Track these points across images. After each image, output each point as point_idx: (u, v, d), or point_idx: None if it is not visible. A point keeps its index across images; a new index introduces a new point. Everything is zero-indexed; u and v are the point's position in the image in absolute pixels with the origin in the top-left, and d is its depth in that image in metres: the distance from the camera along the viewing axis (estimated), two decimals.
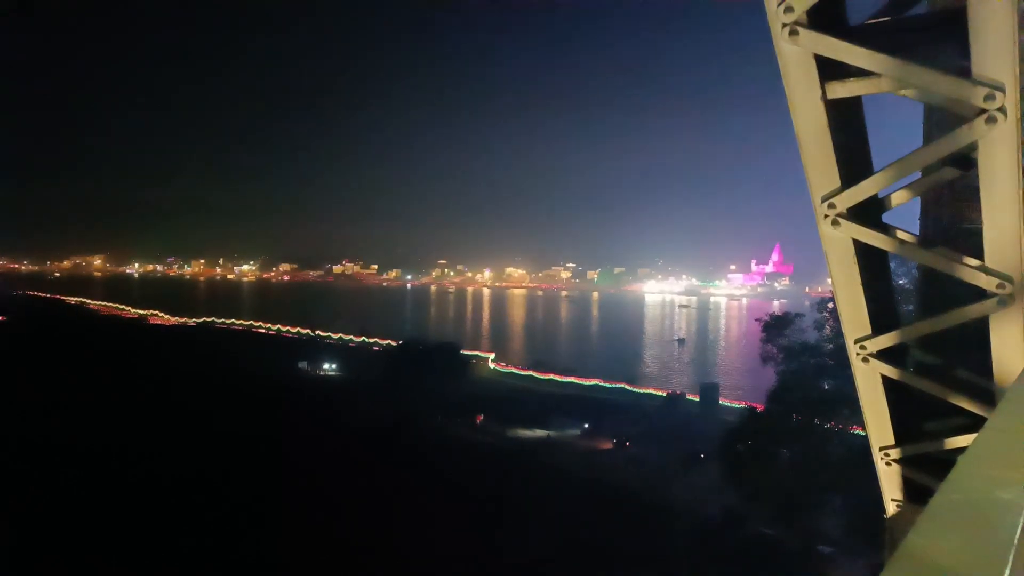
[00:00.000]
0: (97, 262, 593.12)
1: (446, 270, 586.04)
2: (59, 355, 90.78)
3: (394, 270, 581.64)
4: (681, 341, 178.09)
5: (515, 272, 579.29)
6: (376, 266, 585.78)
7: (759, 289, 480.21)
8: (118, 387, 69.60)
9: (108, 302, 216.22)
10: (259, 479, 43.97)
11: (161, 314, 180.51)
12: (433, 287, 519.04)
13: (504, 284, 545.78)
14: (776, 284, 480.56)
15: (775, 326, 38.79)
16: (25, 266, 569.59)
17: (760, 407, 40.45)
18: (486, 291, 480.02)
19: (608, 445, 62.90)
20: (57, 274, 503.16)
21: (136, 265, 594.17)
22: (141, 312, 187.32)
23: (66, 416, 56.64)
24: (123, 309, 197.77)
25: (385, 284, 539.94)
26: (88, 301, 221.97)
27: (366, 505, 40.23)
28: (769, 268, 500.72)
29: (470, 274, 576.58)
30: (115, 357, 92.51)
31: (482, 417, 71.13)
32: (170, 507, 37.85)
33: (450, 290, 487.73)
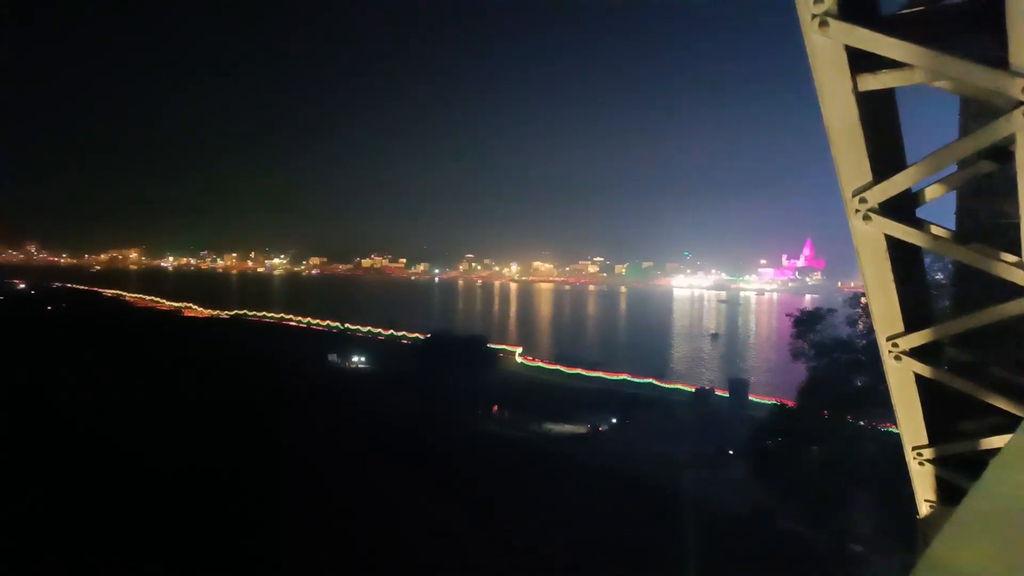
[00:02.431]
0: (133, 255, 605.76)
1: (473, 264, 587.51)
2: (96, 345, 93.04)
3: (422, 264, 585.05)
4: (715, 336, 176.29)
5: (542, 266, 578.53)
6: (404, 260, 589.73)
7: (790, 284, 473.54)
8: (150, 377, 71.07)
9: (144, 294, 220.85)
10: (286, 470, 44.60)
11: (195, 306, 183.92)
12: (460, 281, 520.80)
13: (531, 278, 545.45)
14: (807, 279, 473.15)
15: (806, 321, 38.20)
16: (64, 259, 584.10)
17: (790, 403, 39.91)
18: (513, 285, 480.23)
19: (634, 439, 62.62)
20: (97, 267, 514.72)
21: (171, 258, 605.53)
22: (175, 304, 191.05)
23: (99, 406, 57.96)
24: (158, 301, 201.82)
25: (413, 278, 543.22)
26: (124, 294, 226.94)
27: (392, 496, 40.58)
28: (800, 262, 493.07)
29: (497, 268, 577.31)
30: (149, 348, 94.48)
31: (509, 411, 71.27)
32: (194, 499, 38.56)
33: (478, 284, 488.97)
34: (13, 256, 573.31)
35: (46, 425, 51.90)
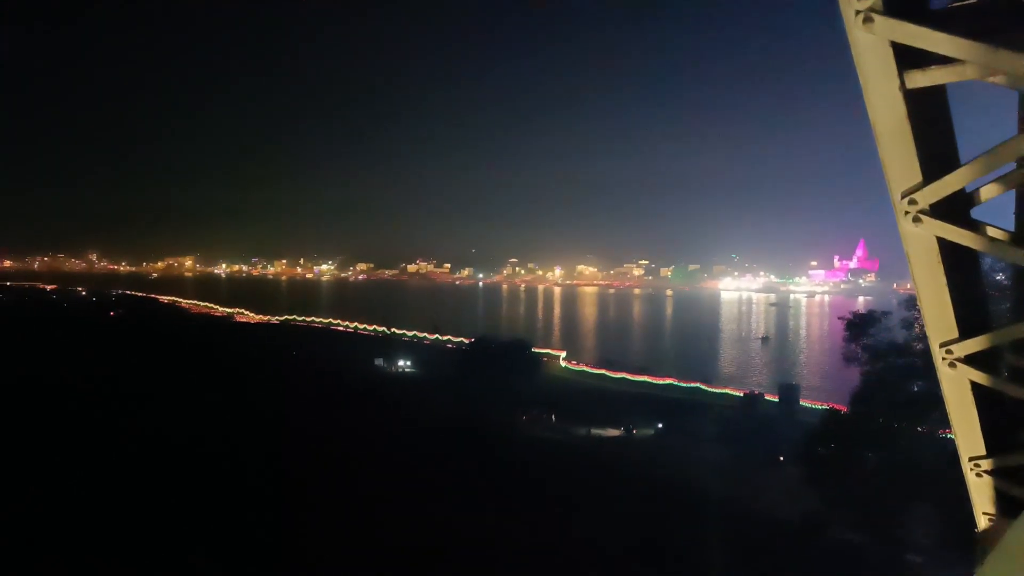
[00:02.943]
0: (188, 263, 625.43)
1: (517, 268, 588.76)
2: (158, 347, 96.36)
3: (466, 269, 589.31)
4: (765, 340, 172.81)
5: (586, 270, 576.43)
6: (449, 265, 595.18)
7: (842, 286, 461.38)
8: (206, 379, 73.06)
9: (198, 301, 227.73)
10: (332, 471, 45.27)
11: (246, 312, 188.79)
12: (504, 285, 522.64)
13: (575, 282, 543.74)
14: (861, 280, 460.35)
15: (859, 325, 37.12)
16: (124, 267, 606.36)
17: (843, 409, 38.85)
18: (557, 289, 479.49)
19: (680, 445, 61.74)
20: (154, 275, 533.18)
21: (223, 265, 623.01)
22: (228, 310, 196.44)
23: (162, 405, 59.83)
24: (212, 307, 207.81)
25: (457, 283, 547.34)
26: (180, 300, 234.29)
27: (439, 499, 40.84)
28: (853, 264, 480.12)
29: (541, 272, 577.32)
30: (205, 351, 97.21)
31: (552, 415, 71.08)
32: (245, 497, 39.39)
33: (521, 288, 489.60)
34: (76, 265, 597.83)
35: (119, 419, 53.88)
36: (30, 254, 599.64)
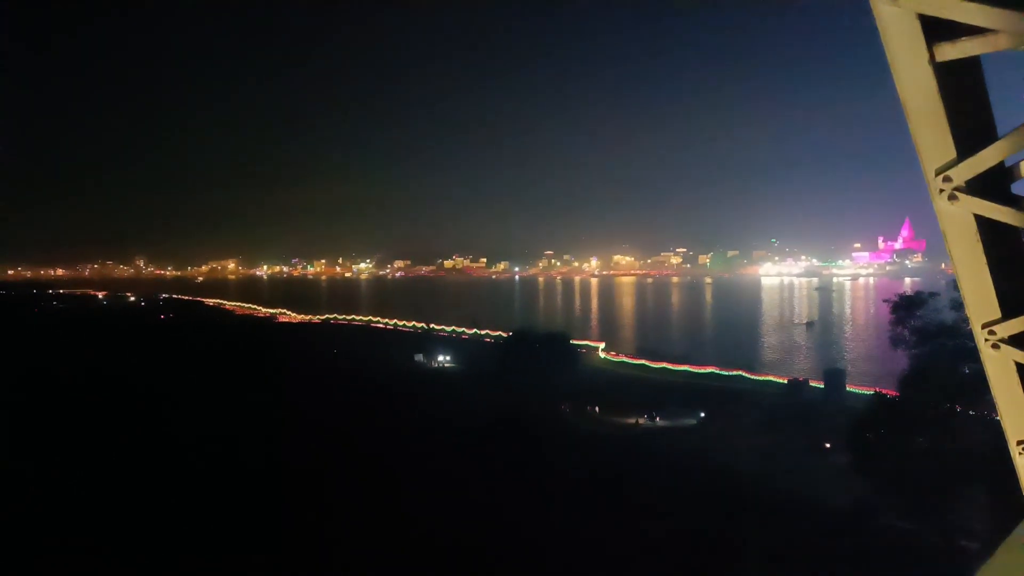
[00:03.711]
0: (231, 265, 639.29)
1: (553, 260, 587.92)
2: (208, 348, 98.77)
3: (502, 263, 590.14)
4: (810, 325, 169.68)
5: (623, 259, 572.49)
6: (485, 259, 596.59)
7: (887, 268, 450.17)
8: (252, 378, 74.64)
9: (242, 302, 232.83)
10: (378, 464, 45.91)
11: (288, 312, 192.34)
12: (541, 278, 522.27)
13: (612, 272, 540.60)
14: (907, 262, 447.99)
15: (906, 307, 36.21)
16: (170, 272, 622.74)
17: (891, 393, 37.94)
18: (594, 280, 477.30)
19: (724, 433, 61.01)
20: (200, 278, 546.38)
21: (264, 267, 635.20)
22: (271, 311, 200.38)
23: (215, 403, 61.22)
24: (255, 308, 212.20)
25: (494, 276, 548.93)
26: (224, 302, 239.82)
27: (484, 490, 41.12)
28: (898, 244, 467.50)
29: (577, 263, 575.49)
30: (250, 351, 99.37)
31: (595, 406, 70.86)
32: (295, 492, 40.15)
33: (558, 280, 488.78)
34: (124, 271, 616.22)
35: (181, 414, 55.42)
36: (81, 262, 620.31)
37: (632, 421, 66.21)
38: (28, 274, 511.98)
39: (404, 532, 34.40)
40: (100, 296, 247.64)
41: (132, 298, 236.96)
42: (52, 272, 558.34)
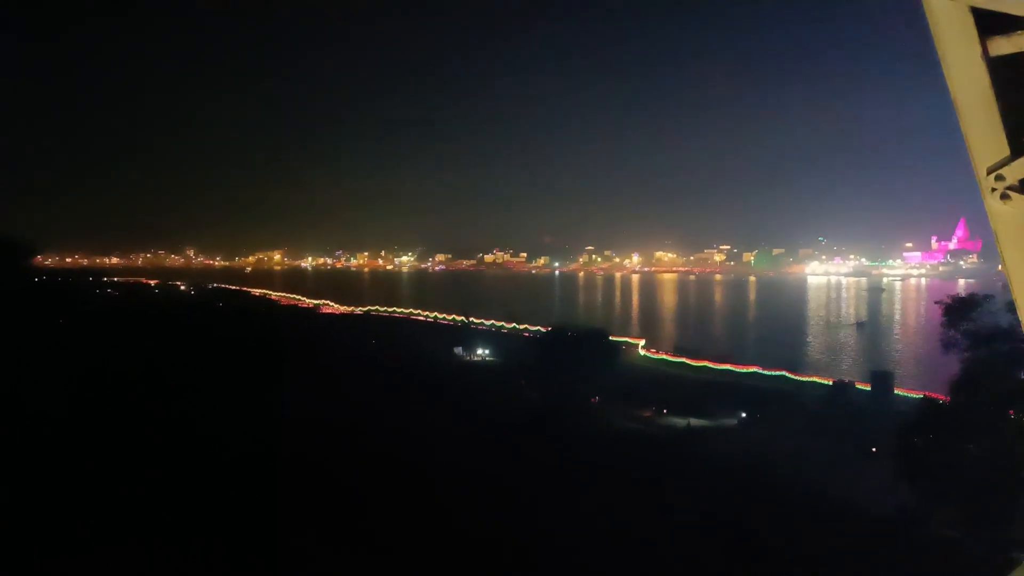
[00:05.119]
0: (277, 257, 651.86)
1: (594, 256, 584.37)
2: (257, 336, 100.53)
3: (542, 258, 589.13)
4: (860, 326, 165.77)
5: (665, 256, 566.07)
6: (525, 254, 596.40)
7: (940, 268, 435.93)
8: (300, 366, 76.04)
9: (286, 293, 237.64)
10: (418, 455, 46.38)
11: (331, 303, 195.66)
12: (581, 273, 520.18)
13: (653, 269, 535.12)
14: (961, 262, 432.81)
15: (959, 309, 35.07)
16: (218, 262, 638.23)
17: (941, 398, 36.86)
18: (635, 277, 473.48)
19: (766, 435, 60.10)
20: (248, 269, 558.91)
21: (309, 259, 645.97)
22: (314, 302, 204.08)
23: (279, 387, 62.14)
24: (299, 299, 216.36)
25: (534, 272, 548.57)
26: (270, 292, 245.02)
27: (519, 485, 41.27)
28: (952, 244, 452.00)
29: (618, 259, 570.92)
30: (295, 340, 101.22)
31: (630, 403, 70.48)
32: (334, 482, 40.78)
33: (598, 276, 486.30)
34: (175, 260, 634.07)
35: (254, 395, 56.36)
36: (135, 251, 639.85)
37: (669, 420, 65.69)
38: (85, 262, 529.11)
39: (438, 525, 34.70)
40: (152, 284, 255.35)
41: (182, 287, 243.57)
42: (107, 260, 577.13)
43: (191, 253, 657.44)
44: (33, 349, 47.85)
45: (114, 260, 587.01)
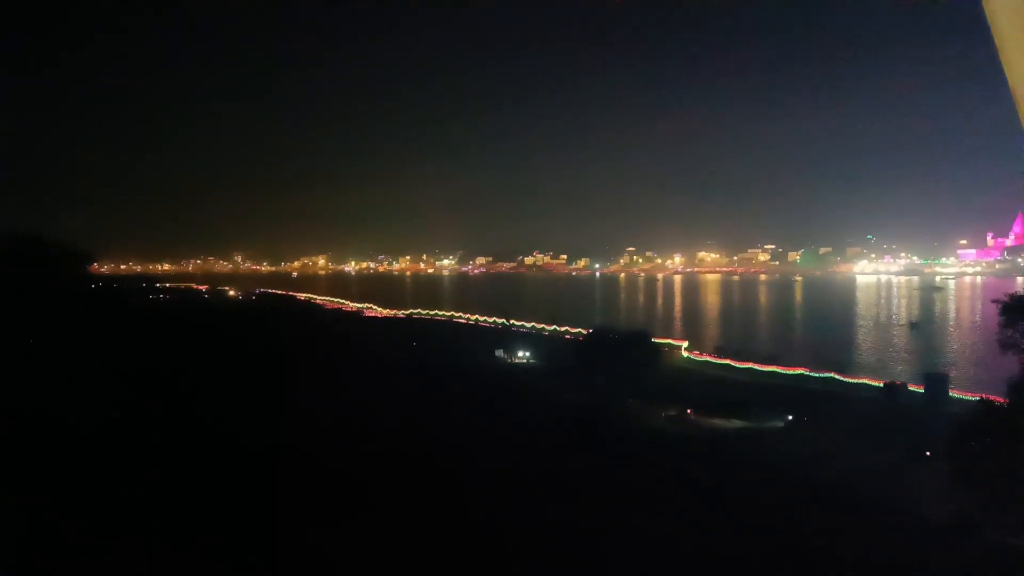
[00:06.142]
0: (321, 261, 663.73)
1: (635, 257, 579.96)
2: (308, 339, 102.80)
3: (583, 259, 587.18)
4: (914, 326, 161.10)
5: (707, 256, 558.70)
6: (565, 256, 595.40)
7: (997, 266, 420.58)
8: (348, 367, 77.41)
9: (331, 296, 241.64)
10: (453, 459, 46.66)
11: (374, 307, 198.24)
12: (622, 275, 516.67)
13: (696, 269, 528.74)
14: (1019, 259, 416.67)
15: (1018, 308, 33.80)
16: (265, 267, 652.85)
17: (999, 400, 35.56)
18: (677, 277, 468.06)
19: (814, 437, 58.82)
20: (295, 274, 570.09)
21: (352, 263, 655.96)
22: (358, 305, 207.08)
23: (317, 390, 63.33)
24: (343, 303, 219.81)
25: (574, 273, 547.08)
26: (315, 297, 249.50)
27: (565, 486, 41.20)
28: (1009, 241, 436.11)
29: (659, 260, 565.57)
30: (341, 342, 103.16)
31: (675, 406, 69.70)
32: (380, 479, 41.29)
33: (640, 277, 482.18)
34: (224, 266, 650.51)
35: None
36: (185, 258, 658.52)
37: (714, 423, 64.76)
38: (138, 268, 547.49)
39: (470, 528, 34.72)
40: (202, 289, 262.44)
41: (231, 292, 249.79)
42: (159, 267, 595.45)
43: (239, 259, 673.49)
44: (90, 351, 49.52)
45: (166, 266, 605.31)
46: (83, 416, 39.07)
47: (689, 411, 68.00)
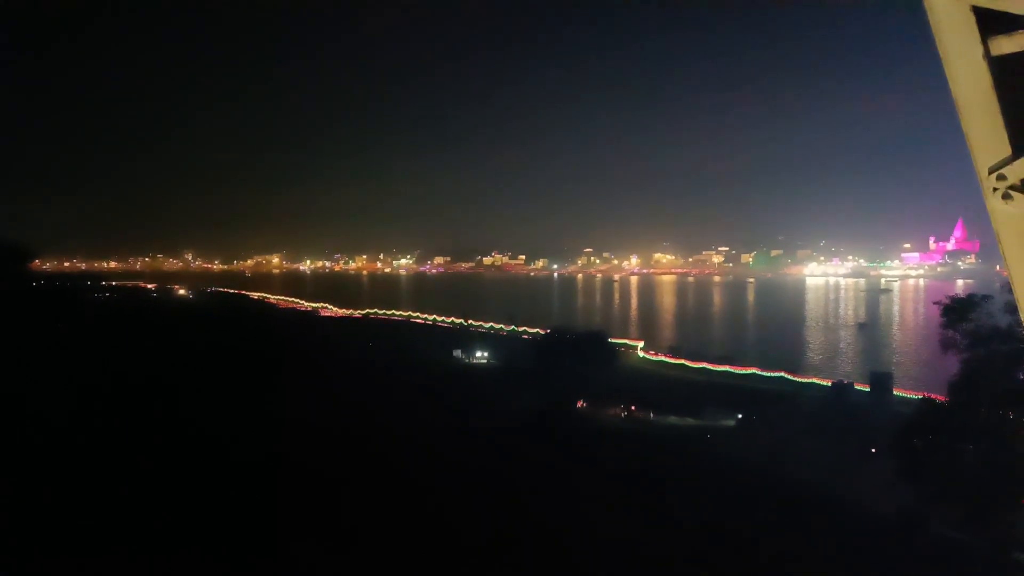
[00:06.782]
0: (275, 260, 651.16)
1: (592, 258, 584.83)
2: (259, 340, 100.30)
3: (541, 260, 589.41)
4: (862, 326, 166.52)
5: (663, 258, 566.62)
6: (524, 256, 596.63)
7: (939, 269, 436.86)
8: (299, 369, 75.95)
9: (285, 296, 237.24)
10: (414, 459, 46.28)
11: (330, 306, 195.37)
12: (580, 276, 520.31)
13: (652, 271, 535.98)
14: (959, 263, 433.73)
15: (958, 310, 35.08)
16: (217, 265, 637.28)
17: (941, 398, 36.87)
18: (633, 279, 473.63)
19: (763, 435, 60.11)
20: (248, 273, 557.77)
21: (308, 262, 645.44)
22: (313, 305, 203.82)
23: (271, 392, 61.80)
24: (298, 302, 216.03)
25: (532, 274, 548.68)
26: (268, 296, 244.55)
27: (514, 486, 41.17)
28: (950, 245, 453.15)
29: (616, 261, 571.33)
30: (295, 343, 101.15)
31: (631, 404, 70.45)
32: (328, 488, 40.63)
33: (597, 278, 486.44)
34: (173, 264, 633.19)
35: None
36: (133, 255, 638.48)
37: (667, 421, 65.67)
38: (83, 266, 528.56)
39: (429, 528, 34.50)
40: (151, 288, 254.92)
41: (181, 291, 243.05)
42: (105, 264, 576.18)
43: (189, 257, 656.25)
44: (31, 352, 47.59)
45: (112, 264, 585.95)
46: None
47: (640, 409, 68.84)
